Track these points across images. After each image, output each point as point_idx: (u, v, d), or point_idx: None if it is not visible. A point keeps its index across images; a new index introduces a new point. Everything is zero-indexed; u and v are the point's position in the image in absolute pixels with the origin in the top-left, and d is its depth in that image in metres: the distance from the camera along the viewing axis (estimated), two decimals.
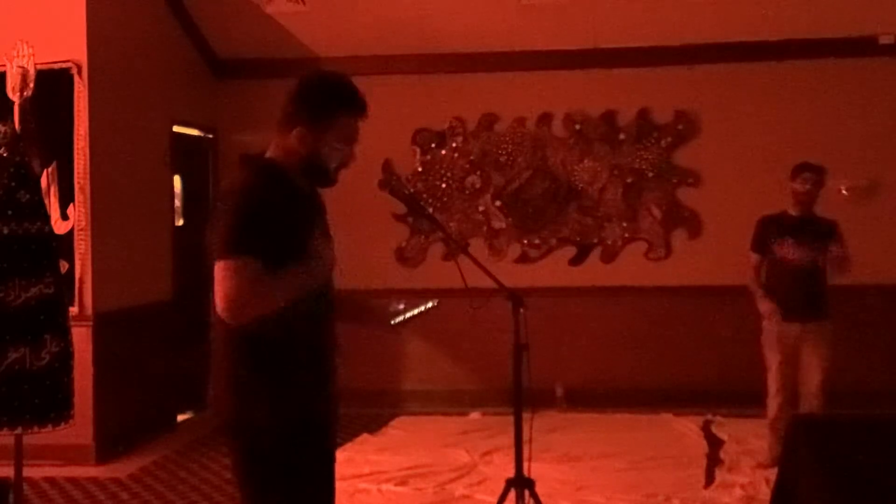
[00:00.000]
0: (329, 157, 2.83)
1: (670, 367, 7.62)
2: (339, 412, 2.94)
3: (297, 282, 2.71)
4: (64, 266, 5.99)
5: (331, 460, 2.94)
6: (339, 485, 3.01)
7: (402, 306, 2.93)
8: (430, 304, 2.99)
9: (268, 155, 2.86)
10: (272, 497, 2.74)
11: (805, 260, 5.70)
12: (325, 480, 2.90)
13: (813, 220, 5.79)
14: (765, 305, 5.72)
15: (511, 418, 4.22)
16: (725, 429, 6.83)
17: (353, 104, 2.82)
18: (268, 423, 2.72)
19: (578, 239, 7.87)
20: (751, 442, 6.33)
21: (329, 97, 2.81)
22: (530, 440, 4.14)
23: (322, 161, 2.82)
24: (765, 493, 5.13)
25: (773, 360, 5.79)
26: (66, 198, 6.26)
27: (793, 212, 5.80)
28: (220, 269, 2.64)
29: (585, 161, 7.85)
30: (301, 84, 2.83)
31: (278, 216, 2.70)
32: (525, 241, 7.91)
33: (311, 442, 2.80)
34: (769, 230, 5.85)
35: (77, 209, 6.26)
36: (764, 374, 5.83)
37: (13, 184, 4.53)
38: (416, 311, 2.90)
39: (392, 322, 2.89)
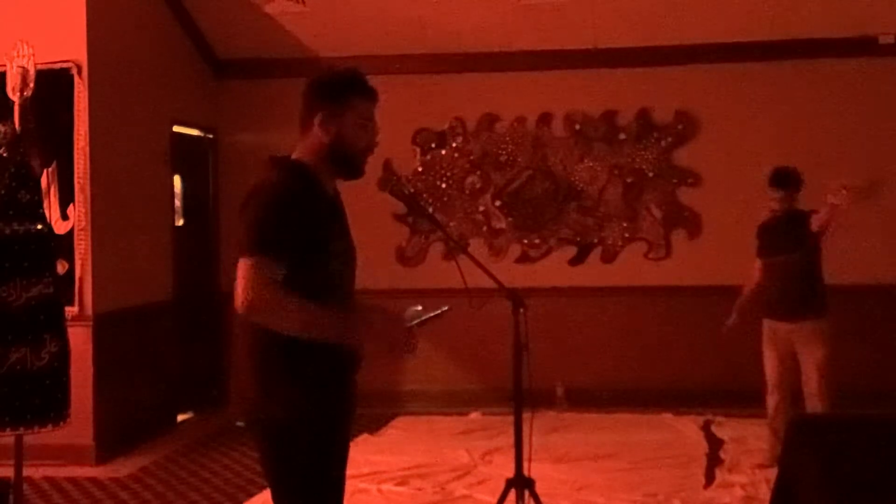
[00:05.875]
0: (354, 138, 2.89)
1: (670, 367, 7.62)
2: (356, 410, 3.00)
3: (318, 319, 2.73)
4: (64, 266, 5.99)
5: (345, 457, 3.00)
6: None
7: (419, 308, 2.95)
8: (443, 309, 3.01)
9: (294, 156, 2.92)
10: (294, 490, 2.82)
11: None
12: (340, 477, 2.97)
13: (797, 215, 5.75)
14: (732, 318, 5.97)
15: (511, 418, 4.22)
16: (725, 429, 6.83)
17: (364, 87, 2.93)
18: (290, 420, 2.78)
19: (578, 239, 7.87)
20: (751, 442, 6.33)
21: (341, 83, 2.91)
22: (530, 440, 4.14)
23: (348, 143, 2.89)
24: (765, 493, 5.13)
25: (768, 358, 5.82)
26: (66, 198, 6.26)
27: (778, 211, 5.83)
28: (240, 267, 2.72)
29: (585, 161, 7.85)
30: (313, 80, 2.94)
31: (302, 216, 2.76)
32: (525, 241, 7.90)
33: (331, 439, 2.86)
34: (766, 234, 5.89)
35: (77, 209, 6.25)
36: (764, 374, 5.84)
37: (13, 184, 4.53)
38: (431, 315, 2.93)
39: (408, 325, 2.90)
